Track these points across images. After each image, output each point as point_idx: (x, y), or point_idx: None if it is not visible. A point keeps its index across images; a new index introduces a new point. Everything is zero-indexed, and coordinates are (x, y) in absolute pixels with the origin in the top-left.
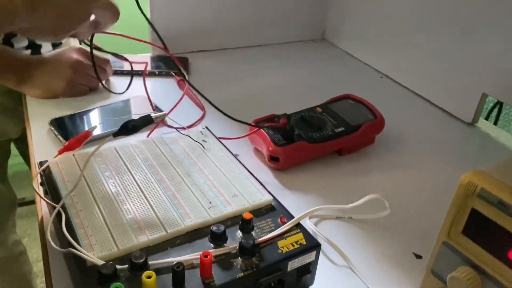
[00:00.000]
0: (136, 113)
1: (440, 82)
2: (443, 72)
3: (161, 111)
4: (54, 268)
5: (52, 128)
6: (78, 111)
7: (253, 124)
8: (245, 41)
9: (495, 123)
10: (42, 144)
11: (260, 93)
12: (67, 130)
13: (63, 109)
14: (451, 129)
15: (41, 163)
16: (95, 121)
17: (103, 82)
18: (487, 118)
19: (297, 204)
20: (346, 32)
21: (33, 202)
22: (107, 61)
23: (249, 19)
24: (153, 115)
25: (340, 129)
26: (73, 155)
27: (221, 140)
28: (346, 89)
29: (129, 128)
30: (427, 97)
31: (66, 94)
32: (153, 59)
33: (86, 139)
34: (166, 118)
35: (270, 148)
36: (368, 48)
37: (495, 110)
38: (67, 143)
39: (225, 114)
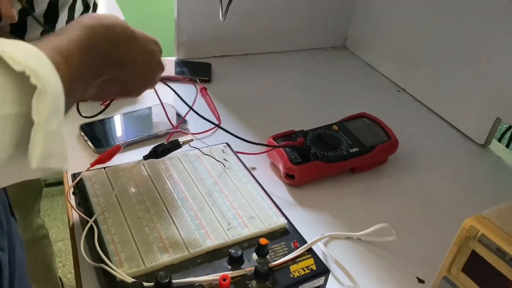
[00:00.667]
0: (160, 121)
1: (456, 101)
2: (460, 93)
3: (181, 117)
4: (85, 279)
5: (82, 133)
6: (107, 117)
7: (271, 141)
8: (267, 47)
9: (507, 146)
10: (71, 147)
11: (280, 101)
12: (96, 136)
13: (90, 113)
14: (464, 149)
15: (74, 176)
16: (122, 128)
17: None
18: (499, 140)
19: (309, 222)
20: (367, 41)
21: (54, 184)
22: None
23: (272, 25)
24: (181, 140)
25: (354, 149)
26: (104, 168)
27: (240, 155)
28: (364, 101)
29: (158, 152)
30: (442, 115)
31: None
32: (178, 64)
33: (116, 153)
34: (188, 127)
35: (287, 166)
36: (387, 60)
37: (508, 133)
38: (98, 157)
39: (241, 139)
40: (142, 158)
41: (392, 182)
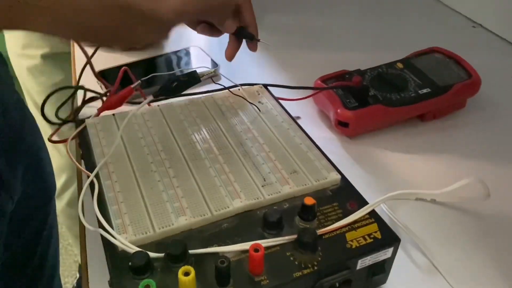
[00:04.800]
0: (186, 68)
1: None
2: None
3: (216, 66)
4: (91, 245)
5: (98, 81)
6: (127, 62)
7: (319, 82)
8: None
9: None
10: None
11: (331, 38)
12: (111, 83)
13: (111, 60)
14: None
15: (77, 123)
16: (143, 74)
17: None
18: None
19: (368, 183)
20: None
21: None
22: None
23: None
24: (199, 71)
25: (425, 90)
26: (113, 114)
27: (280, 101)
28: (432, 41)
29: (171, 88)
30: None
31: None
32: None
33: (128, 97)
34: (219, 73)
35: (339, 111)
36: None
37: None
38: (106, 100)
39: (282, 86)
40: (150, 96)
41: (472, 132)
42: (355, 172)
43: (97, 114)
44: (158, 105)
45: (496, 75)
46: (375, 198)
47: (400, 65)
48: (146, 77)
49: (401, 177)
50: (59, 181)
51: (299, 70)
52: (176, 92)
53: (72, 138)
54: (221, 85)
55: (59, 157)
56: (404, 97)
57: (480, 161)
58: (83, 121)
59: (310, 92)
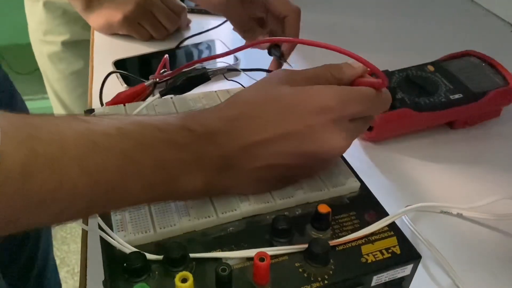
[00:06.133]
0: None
1: None
2: None
3: (237, 60)
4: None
5: (115, 70)
6: (146, 53)
7: None
8: None
9: None
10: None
11: (360, 39)
12: (131, 73)
13: (129, 49)
14: None
15: (86, 112)
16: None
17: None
18: None
19: (390, 192)
20: None
21: None
22: (182, 9)
23: None
24: (220, 65)
25: (457, 96)
26: (124, 105)
27: None
28: (466, 44)
29: (177, 85)
30: None
31: (124, 30)
32: None
33: (140, 94)
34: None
35: None
36: None
37: None
38: (116, 95)
39: None
40: (158, 94)
41: (505, 143)
42: (377, 180)
43: (105, 106)
44: (171, 97)
45: None
46: (397, 209)
47: (431, 68)
48: (165, 78)
49: (426, 188)
50: None
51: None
52: (185, 91)
53: None
54: (237, 82)
55: None
56: (433, 101)
57: (510, 176)
58: (92, 110)
59: None
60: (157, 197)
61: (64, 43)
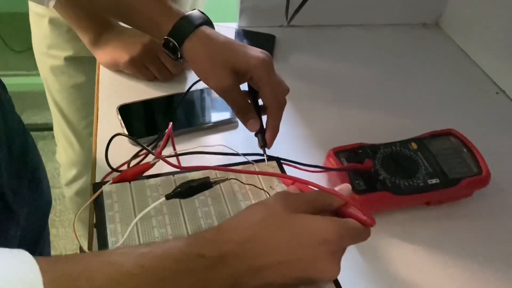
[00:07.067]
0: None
1: None
2: None
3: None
4: None
5: (119, 117)
6: (150, 98)
7: (332, 155)
8: (342, 19)
9: None
10: (108, 127)
11: (349, 85)
12: (133, 120)
13: (134, 92)
14: None
15: (95, 186)
16: (164, 113)
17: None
18: None
19: (366, 273)
20: (466, 22)
21: None
22: None
23: None
24: (212, 178)
25: (434, 181)
26: (130, 182)
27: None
28: (453, 102)
29: (183, 193)
30: None
31: (129, 70)
32: (238, 33)
33: (144, 171)
34: (237, 120)
35: None
36: (487, 51)
37: None
38: (122, 172)
39: (294, 163)
40: (164, 198)
41: (476, 224)
42: (355, 260)
43: (112, 183)
44: (173, 175)
45: (508, 154)
46: None
47: (414, 145)
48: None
49: (406, 265)
50: (70, 173)
51: (316, 125)
52: (188, 196)
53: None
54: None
55: (72, 152)
56: (412, 185)
57: (478, 255)
58: (99, 185)
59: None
60: None
61: (67, 59)
